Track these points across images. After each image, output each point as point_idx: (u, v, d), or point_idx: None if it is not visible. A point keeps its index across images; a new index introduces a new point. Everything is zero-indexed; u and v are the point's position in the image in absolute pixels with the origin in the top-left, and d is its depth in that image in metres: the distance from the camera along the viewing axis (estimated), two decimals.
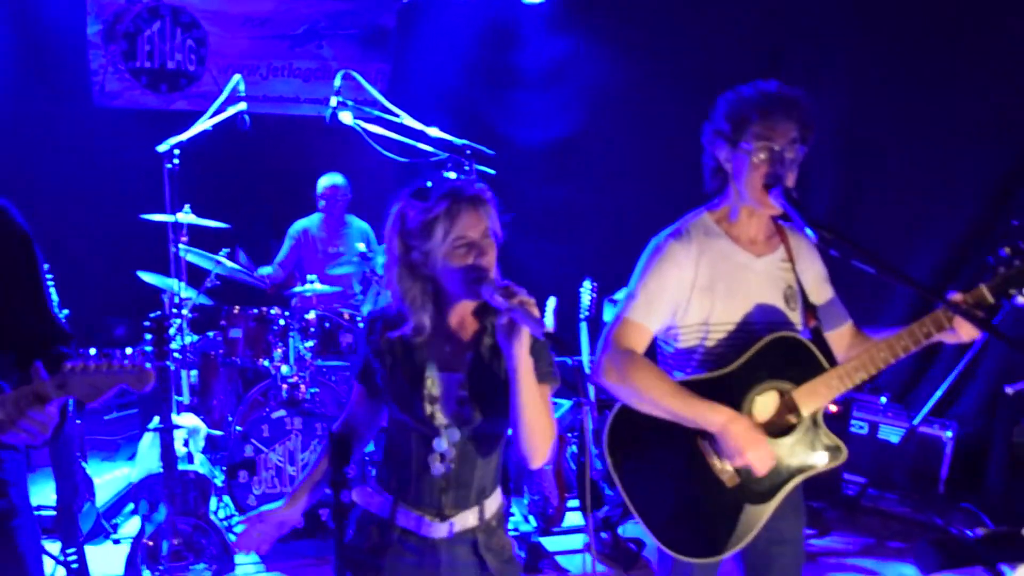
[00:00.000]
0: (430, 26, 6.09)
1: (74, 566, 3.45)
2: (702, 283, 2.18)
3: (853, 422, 4.99)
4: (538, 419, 1.90)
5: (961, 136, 4.91)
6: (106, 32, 5.58)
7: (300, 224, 5.27)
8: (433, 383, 1.96)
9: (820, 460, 2.15)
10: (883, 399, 5.11)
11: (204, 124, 4.26)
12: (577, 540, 4.16)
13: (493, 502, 2.06)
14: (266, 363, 4.35)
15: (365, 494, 2.08)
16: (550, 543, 4.15)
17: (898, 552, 4.29)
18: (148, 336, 3.28)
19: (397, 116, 4.69)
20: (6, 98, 5.24)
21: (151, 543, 3.35)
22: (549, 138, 5.99)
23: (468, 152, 4.49)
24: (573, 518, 4.29)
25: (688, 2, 5.45)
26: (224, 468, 4.08)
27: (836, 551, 4.34)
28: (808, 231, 1.98)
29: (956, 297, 2.05)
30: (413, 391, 1.96)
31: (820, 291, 2.32)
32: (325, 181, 5.20)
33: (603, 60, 5.70)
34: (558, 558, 4.05)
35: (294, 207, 5.35)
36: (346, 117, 4.56)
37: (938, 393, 4.64)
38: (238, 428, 4.11)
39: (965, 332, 2.06)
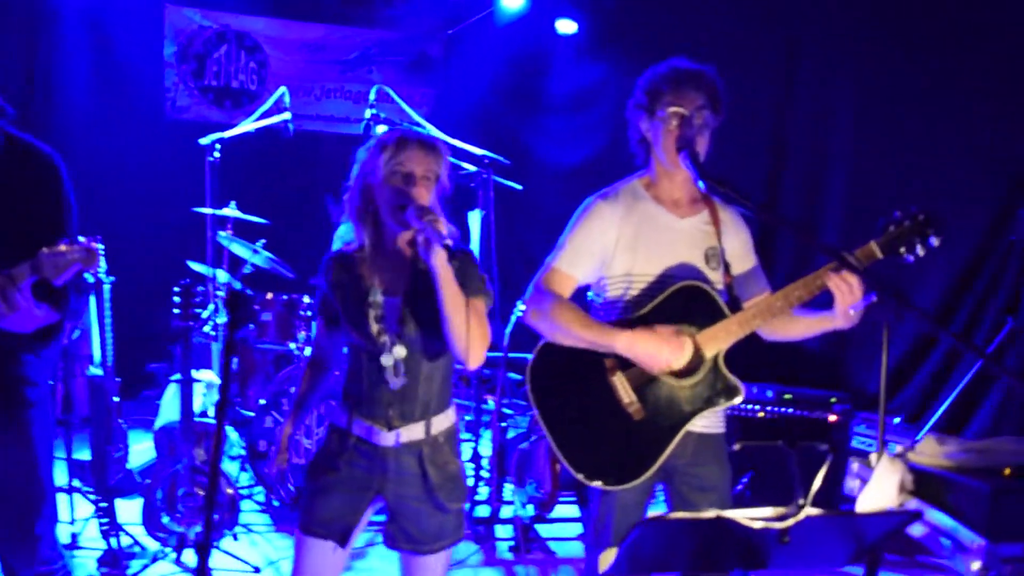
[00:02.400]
0: (473, 54, 6.53)
1: (103, 505, 3.85)
2: (626, 239, 2.42)
3: (860, 439, 5.03)
4: (463, 324, 2.14)
5: (976, 136, 4.92)
6: (180, 54, 6.19)
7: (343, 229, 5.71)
8: (377, 305, 2.26)
9: (719, 398, 2.34)
10: (896, 420, 5.15)
11: (247, 126, 4.75)
12: (569, 528, 4.37)
13: (442, 421, 2.31)
14: (292, 346, 4.74)
15: (330, 408, 2.39)
16: (544, 529, 4.36)
17: (893, 565, 4.34)
18: (176, 299, 3.70)
19: (423, 128, 5.12)
20: (87, 111, 5.85)
21: (167, 488, 3.73)
22: (579, 158, 6.31)
23: (487, 162, 4.89)
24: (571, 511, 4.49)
25: (704, 28, 5.71)
26: (245, 442, 4.45)
27: None
28: (700, 183, 2.24)
29: (847, 254, 2.24)
30: (361, 314, 2.25)
31: (744, 259, 2.53)
32: None
33: (630, 84, 6.00)
34: (549, 543, 4.26)
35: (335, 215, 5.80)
36: (380, 129, 5.01)
37: (939, 411, 4.68)
38: (261, 402, 4.49)
39: (849, 288, 2.22)
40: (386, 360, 2.25)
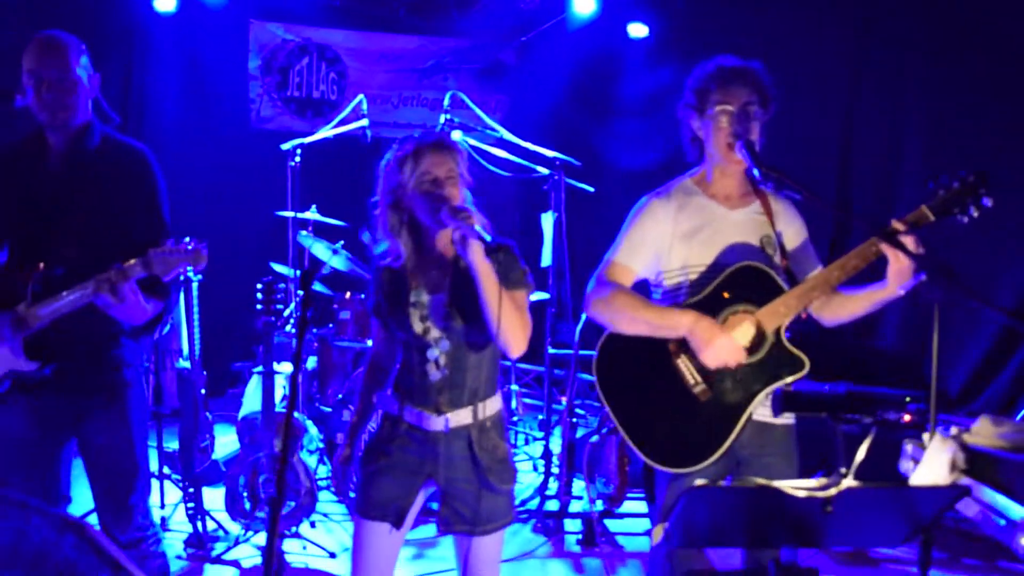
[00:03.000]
0: (545, 60, 6.64)
1: (190, 491, 4.07)
2: (681, 232, 2.48)
3: None
4: (504, 315, 2.24)
5: None
6: (264, 66, 6.48)
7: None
8: (423, 305, 2.37)
9: (784, 372, 2.36)
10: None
11: (326, 132, 4.95)
12: (636, 524, 4.40)
13: (489, 406, 2.42)
14: (369, 343, 4.90)
15: (384, 398, 2.51)
16: (612, 524, 4.40)
17: (973, 568, 4.23)
18: (259, 296, 3.90)
19: (497, 132, 5.24)
20: (177, 122, 6.18)
21: (250, 476, 3.92)
22: (650, 160, 6.33)
23: (558, 163, 4.97)
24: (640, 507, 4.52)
25: (771, 28, 5.69)
26: (324, 436, 4.63)
27: (902, 559, 4.32)
28: (755, 171, 2.28)
29: (897, 223, 2.26)
30: (405, 315, 2.37)
31: (797, 241, 2.56)
32: None
33: None
34: (617, 537, 4.30)
35: None
36: (456, 135, 5.15)
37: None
38: (339, 397, 4.67)
39: (896, 254, 2.24)
40: (432, 354, 2.37)
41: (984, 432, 2.21)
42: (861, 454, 1.63)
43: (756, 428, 2.42)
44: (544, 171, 5.00)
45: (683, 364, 2.39)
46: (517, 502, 4.58)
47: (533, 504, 4.55)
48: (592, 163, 5.74)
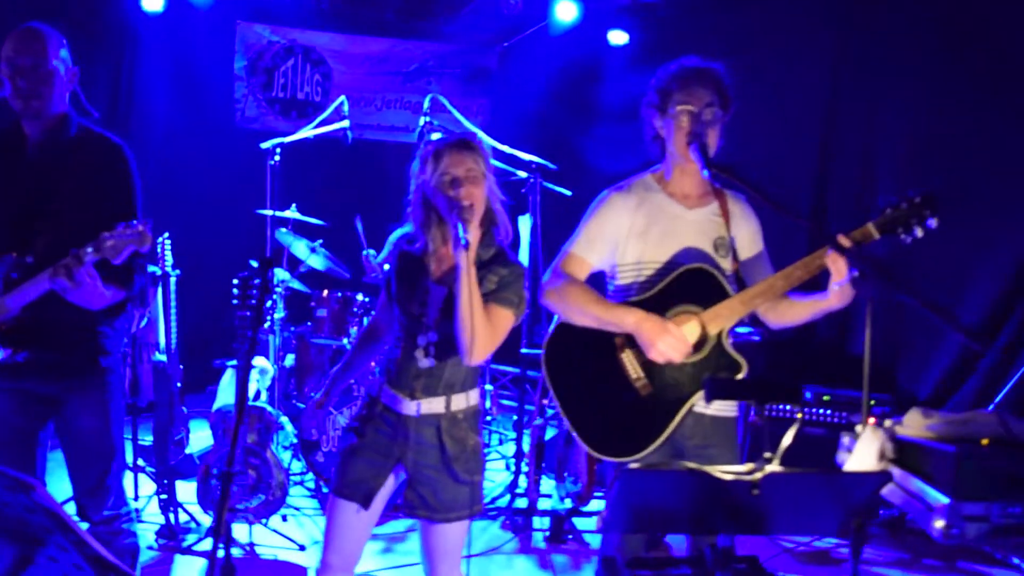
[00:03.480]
0: (527, 65, 6.73)
1: (164, 481, 4.13)
2: (638, 228, 2.56)
3: None
4: (470, 322, 2.30)
5: None
6: (250, 67, 6.55)
7: (399, 232, 5.94)
8: (425, 291, 2.45)
9: (722, 373, 2.44)
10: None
11: (307, 132, 5.02)
12: None
13: (462, 400, 2.49)
14: (346, 341, 4.97)
15: (370, 380, 2.59)
16: (580, 522, 4.47)
17: (933, 569, 4.32)
18: (235, 291, 3.96)
19: (475, 135, 5.31)
20: (164, 119, 6.25)
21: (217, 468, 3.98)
22: (631, 164, 6.40)
23: (534, 167, 5.05)
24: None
25: (752, 36, 5.78)
26: (297, 433, 4.68)
27: (866, 560, 4.40)
28: (705, 172, 2.36)
29: (842, 237, 2.34)
30: (411, 296, 2.46)
31: (752, 248, 2.64)
32: None
33: None
34: (584, 535, 4.37)
35: (394, 218, 6.04)
36: (436, 136, 5.22)
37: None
38: (313, 395, 4.72)
39: (838, 267, 2.32)
40: (422, 340, 2.45)
41: (914, 423, 2.29)
42: (787, 440, 1.71)
43: (698, 420, 2.51)
44: (522, 174, 5.08)
45: (627, 358, 2.47)
46: (487, 499, 4.66)
47: (503, 501, 4.62)
48: (573, 167, 5.82)
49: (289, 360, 5.35)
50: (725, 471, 1.66)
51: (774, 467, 1.65)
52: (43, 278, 2.53)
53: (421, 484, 2.48)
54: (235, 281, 3.98)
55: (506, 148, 5.06)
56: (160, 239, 4.35)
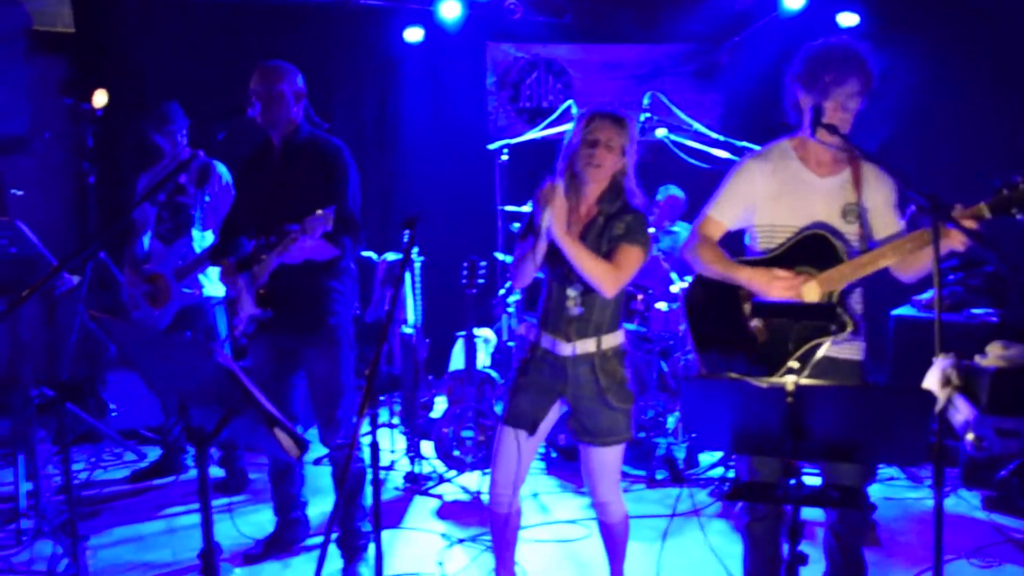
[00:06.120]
0: (758, 57, 6.80)
1: (412, 439, 4.88)
2: (771, 193, 2.78)
3: None
4: (588, 272, 2.76)
5: None
6: (499, 82, 7.30)
7: None
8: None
9: (832, 329, 2.61)
10: None
11: (534, 134, 5.60)
12: None
13: (611, 339, 2.90)
14: None
15: (527, 326, 3.07)
16: None
17: None
18: (464, 273, 4.62)
19: (691, 127, 5.60)
20: (425, 132, 7.15)
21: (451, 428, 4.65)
22: (867, 148, 6.27)
23: (744, 152, 5.23)
24: None
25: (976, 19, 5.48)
26: None
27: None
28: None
29: (957, 209, 2.42)
30: (557, 252, 2.83)
31: (885, 216, 2.75)
32: (665, 192, 6.22)
33: (915, 72, 5.92)
34: None
35: None
36: (660, 131, 5.61)
37: None
38: None
39: (954, 240, 2.42)
40: (571, 291, 2.88)
41: (993, 353, 2.29)
42: (821, 352, 1.89)
43: (825, 362, 2.65)
44: (736, 159, 5.27)
45: (748, 308, 2.72)
46: (701, 469, 4.92)
47: (717, 471, 4.84)
48: None
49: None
50: (762, 380, 1.90)
51: (803, 379, 1.85)
52: (276, 252, 3.30)
53: (581, 414, 2.91)
54: (464, 264, 4.67)
55: (719, 136, 5.29)
56: (407, 231, 5.13)
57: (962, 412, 1.89)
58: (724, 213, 2.87)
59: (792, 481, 2.06)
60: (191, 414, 2.16)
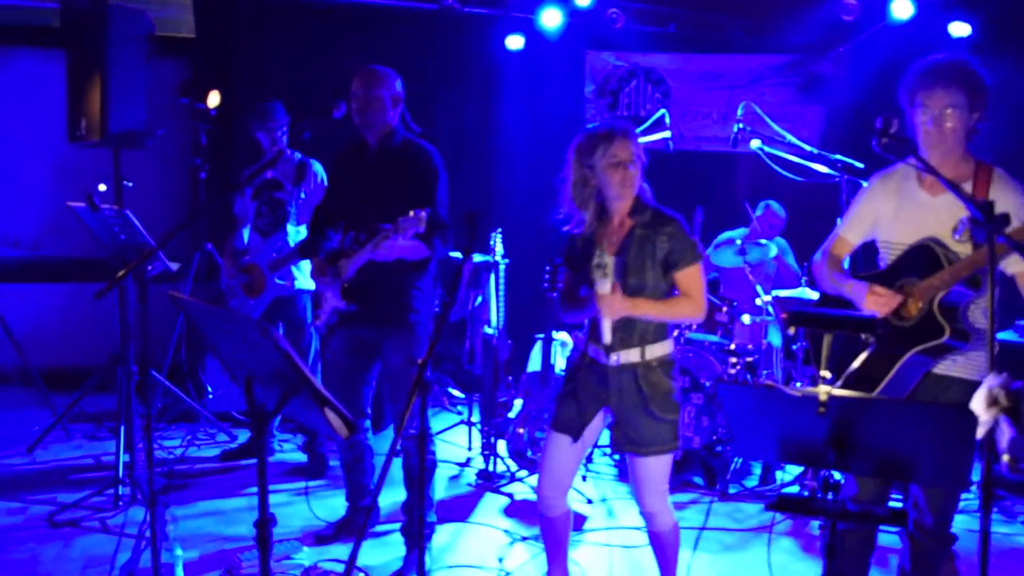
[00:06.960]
0: (864, 68, 6.61)
1: (489, 438, 4.98)
2: (890, 212, 2.83)
3: None
4: (670, 319, 2.95)
5: None
6: (597, 91, 7.35)
7: (729, 234, 6.27)
8: (607, 264, 2.86)
9: (928, 336, 2.64)
10: None
11: None
12: None
13: (656, 349, 2.93)
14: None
15: (577, 338, 3.13)
16: None
17: None
18: (546, 277, 4.68)
19: (783, 138, 5.51)
20: (525, 139, 7.26)
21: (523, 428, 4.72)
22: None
23: (839, 166, 5.11)
24: None
25: None
26: None
27: None
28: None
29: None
30: (589, 273, 2.89)
31: (1015, 225, 2.59)
32: (763, 207, 6.13)
33: None
34: None
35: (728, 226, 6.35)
36: (754, 143, 5.57)
37: None
38: None
39: None
40: None
41: None
42: (857, 363, 1.86)
43: (932, 381, 2.69)
44: (832, 172, 5.16)
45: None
46: (776, 483, 4.83)
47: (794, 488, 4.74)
48: None
49: None
50: (795, 389, 1.89)
51: (835, 389, 1.84)
52: (367, 249, 3.45)
53: (625, 424, 2.94)
54: (547, 267, 4.74)
55: (813, 149, 5.18)
56: (493, 233, 5.23)
57: (1006, 434, 1.83)
58: (850, 231, 2.96)
59: (830, 496, 2.05)
60: (255, 391, 2.31)
